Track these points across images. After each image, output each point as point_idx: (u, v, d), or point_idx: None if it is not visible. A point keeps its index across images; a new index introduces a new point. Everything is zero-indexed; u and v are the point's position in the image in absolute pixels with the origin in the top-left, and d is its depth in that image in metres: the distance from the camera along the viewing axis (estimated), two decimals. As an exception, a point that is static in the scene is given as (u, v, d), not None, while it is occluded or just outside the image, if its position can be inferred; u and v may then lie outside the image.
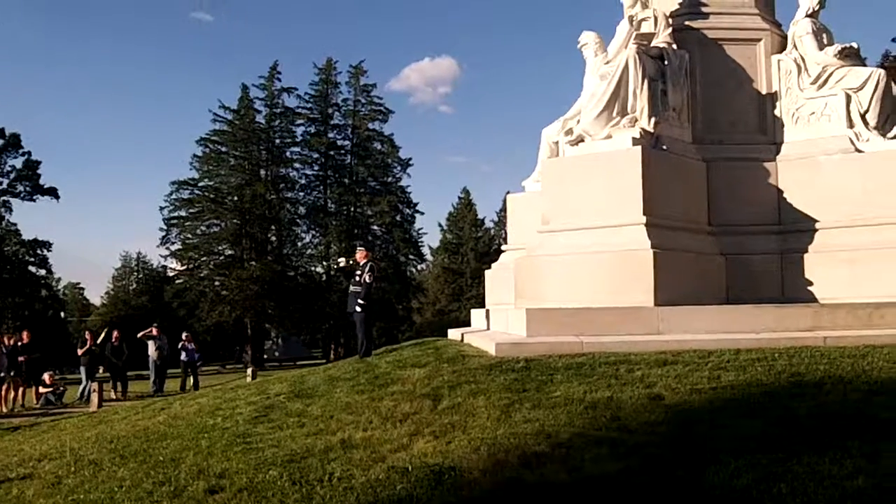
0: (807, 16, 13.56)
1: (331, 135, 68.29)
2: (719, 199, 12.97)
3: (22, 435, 13.21)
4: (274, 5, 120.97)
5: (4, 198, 68.58)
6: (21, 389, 22.27)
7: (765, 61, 13.65)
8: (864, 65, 13.49)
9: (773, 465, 5.50)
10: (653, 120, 12.29)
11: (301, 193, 68.45)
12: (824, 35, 13.52)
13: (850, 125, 12.82)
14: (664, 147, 12.29)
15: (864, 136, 12.69)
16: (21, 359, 22.20)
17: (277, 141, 67.48)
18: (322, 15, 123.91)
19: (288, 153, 67.92)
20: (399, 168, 69.03)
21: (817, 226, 12.57)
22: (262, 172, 66.40)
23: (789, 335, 10.35)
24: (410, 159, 69.19)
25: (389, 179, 68.87)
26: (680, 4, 14.00)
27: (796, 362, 8.81)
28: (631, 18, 13.20)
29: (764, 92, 13.58)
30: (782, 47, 13.75)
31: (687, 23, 13.71)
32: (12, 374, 21.62)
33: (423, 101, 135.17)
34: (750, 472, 5.40)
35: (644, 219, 11.45)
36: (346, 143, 69.09)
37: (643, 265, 11.15)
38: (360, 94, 68.41)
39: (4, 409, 20.84)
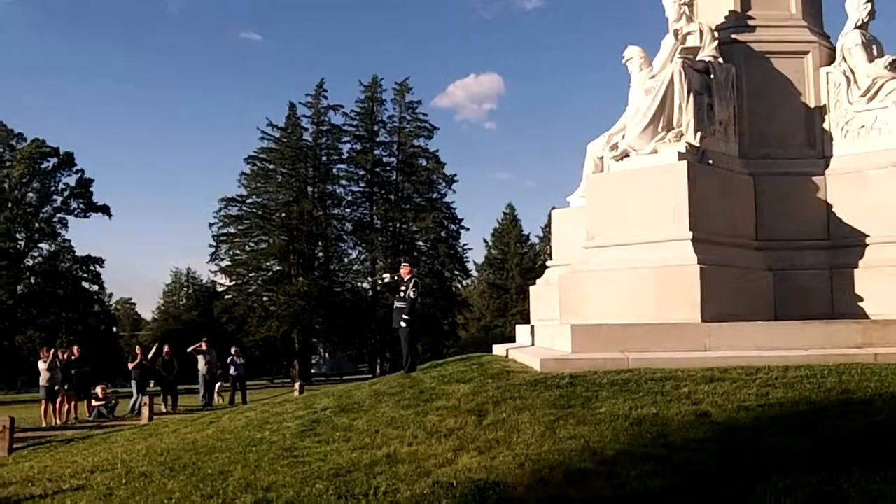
0: (856, 27, 13.40)
1: (376, 151, 68.84)
2: (767, 214, 12.82)
3: (75, 447, 13.44)
4: (320, 24, 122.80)
5: (59, 215, 70.15)
6: (74, 402, 22.72)
7: (813, 74, 13.49)
8: (916, 77, 13.26)
9: (823, 483, 5.42)
10: (699, 134, 12.21)
11: (347, 210, 69.13)
12: (874, 47, 13.33)
13: (902, 138, 12.60)
14: (710, 161, 12.20)
15: (917, 149, 12.47)
16: (74, 372, 22.65)
17: (324, 158, 68.22)
18: (368, 33, 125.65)
19: (334, 170, 68.65)
20: (444, 184, 69.34)
21: (867, 240, 12.36)
22: (309, 189, 67.11)
23: (839, 352, 10.20)
24: (455, 175, 69.60)
25: (434, 195, 69.16)
26: (726, 18, 13.89)
27: (846, 379, 8.66)
28: (676, 32, 13.14)
29: (812, 105, 13.42)
30: (831, 60, 13.58)
31: (733, 36, 13.60)
32: (66, 387, 22.04)
33: (468, 118, 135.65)
34: (798, 490, 5.32)
35: (690, 234, 11.37)
36: (392, 159, 69.64)
37: (689, 281, 11.06)
38: (405, 111, 68.96)
39: (58, 422, 21.25)
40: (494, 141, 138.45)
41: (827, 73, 13.42)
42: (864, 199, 12.50)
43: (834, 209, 12.75)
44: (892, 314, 11.47)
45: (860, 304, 12.14)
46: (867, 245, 12.36)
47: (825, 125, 13.33)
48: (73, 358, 23.44)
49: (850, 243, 12.48)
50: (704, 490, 5.55)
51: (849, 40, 13.35)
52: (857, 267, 12.31)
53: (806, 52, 13.59)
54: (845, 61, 13.32)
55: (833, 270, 12.54)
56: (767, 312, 12.13)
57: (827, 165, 13.09)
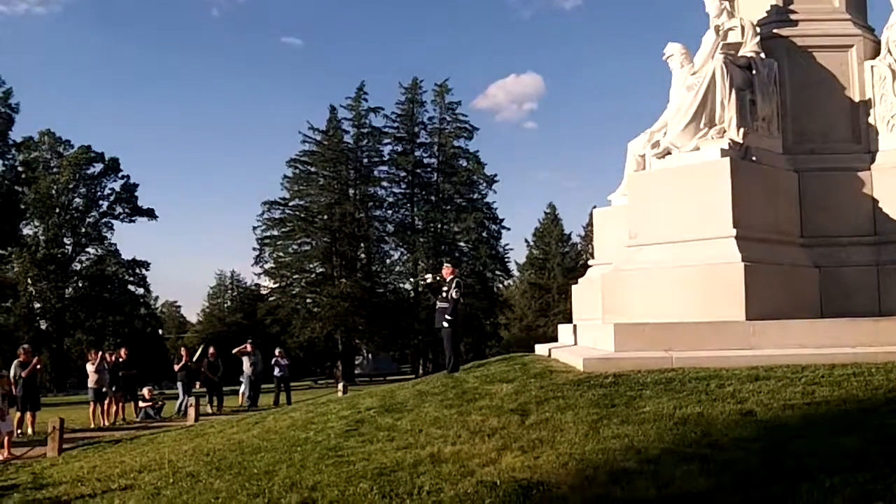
0: (900, 19, 13.17)
1: (417, 153, 69.14)
2: (811, 210, 12.65)
3: (123, 447, 13.65)
4: (360, 28, 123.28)
5: (105, 219, 71.40)
6: (122, 404, 23.08)
7: (857, 68, 13.28)
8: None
9: (870, 482, 5.36)
10: (741, 130, 12.09)
11: (389, 211, 69.48)
12: (920, 38, 13.10)
13: (949, 131, 12.38)
14: (753, 158, 12.07)
15: (964, 142, 12.24)
16: (121, 374, 23.01)
17: (365, 160, 68.60)
18: (407, 35, 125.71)
19: (375, 172, 69.00)
20: (485, 184, 69.37)
21: (916, 236, 12.16)
22: (351, 191, 67.51)
23: (886, 349, 10.03)
24: (496, 175, 69.58)
25: (475, 196, 69.21)
26: (767, 13, 13.74)
27: (894, 377, 8.54)
28: (717, 28, 13.02)
29: (857, 99, 13.21)
30: (875, 53, 13.36)
31: (775, 31, 13.44)
32: (114, 389, 22.40)
33: (508, 118, 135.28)
34: (845, 489, 5.27)
35: (734, 231, 11.27)
36: (433, 160, 69.86)
37: (733, 279, 10.97)
38: (445, 112, 69.12)
39: (107, 423, 21.58)
40: (535, 141, 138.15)
41: (872, 67, 13.21)
42: (912, 194, 12.30)
43: (880, 204, 12.54)
44: (941, 311, 11.28)
45: (908, 301, 11.94)
46: (915, 241, 12.16)
47: (870, 119, 13.12)
48: (120, 360, 23.80)
49: (898, 239, 12.28)
50: (749, 490, 5.52)
51: (894, 33, 13.12)
52: (904, 263, 12.11)
53: (850, 46, 13.39)
54: (891, 54, 13.09)
55: (880, 267, 12.33)
56: (813, 310, 11.97)
57: (873, 160, 12.88)
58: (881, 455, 5.88)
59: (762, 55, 12.83)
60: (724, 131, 12.15)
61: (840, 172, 12.74)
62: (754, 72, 12.58)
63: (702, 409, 7.76)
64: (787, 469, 5.80)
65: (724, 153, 11.71)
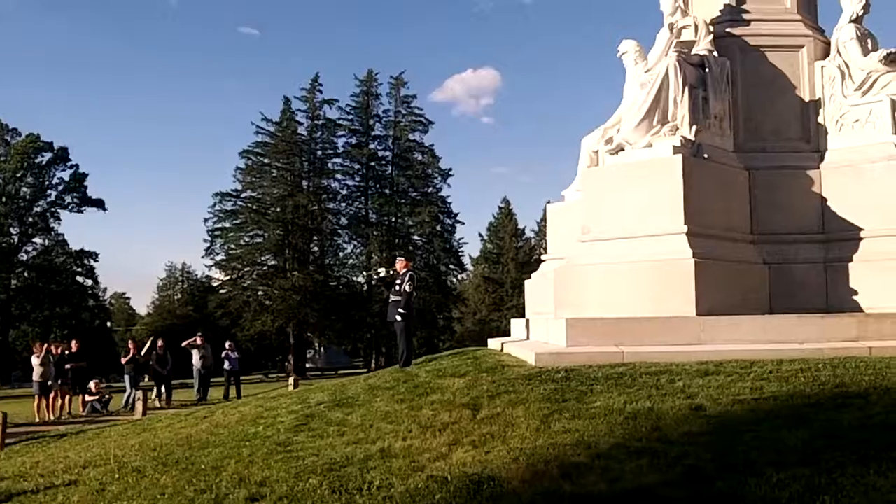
0: (850, 21, 13.40)
1: (372, 146, 68.73)
2: (762, 208, 12.82)
3: (68, 442, 13.40)
4: (317, 19, 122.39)
5: (53, 209, 70.05)
6: (68, 397, 22.65)
7: (808, 68, 13.49)
8: (911, 70, 13.22)
9: (817, 477, 5.42)
10: (694, 128, 12.20)
11: (342, 204, 69.02)
12: (869, 40, 13.33)
13: (896, 132, 12.61)
14: (705, 155, 12.18)
15: (911, 143, 12.46)
16: (68, 367, 22.60)
17: (319, 152, 68.06)
18: (365, 27, 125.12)
19: (329, 164, 68.48)
20: (439, 178, 69.28)
21: (862, 234, 12.37)
22: (304, 183, 66.98)
23: (834, 345, 10.20)
24: (451, 169, 69.48)
25: (430, 190, 69.12)
26: (721, 11, 13.88)
27: (841, 373, 8.67)
28: (671, 26, 13.14)
29: (807, 99, 13.42)
30: (825, 54, 13.58)
31: (728, 30, 13.59)
32: (59, 382, 21.98)
33: (466, 113, 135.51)
34: (793, 484, 5.32)
35: (685, 228, 11.37)
36: (387, 153, 69.57)
37: (684, 274, 11.07)
38: (401, 105, 68.82)
39: (51, 417, 21.20)
40: (491, 136, 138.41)
41: (822, 67, 13.42)
42: (859, 192, 12.51)
43: (829, 203, 12.75)
44: (886, 307, 11.50)
45: (855, 297, 12.15)
46: (862, 238, 12.37)
47: (820, 119, 13.34)
48: (66, 353, 23.38)
49: (845, 237, 12.49)
50: (698, 484, 5.55)
51: (844, 34, 13.35)
52: (851, 260, 12.32)
53: (801, 46, 13.59)
54: (840, 55, 13.32)
55: (828, 264, 12.54)
56: (762, 306, 12.14)
57: (822, 159, 13.09)
58: (827, 450, 5.95)
59: (715, 53, 12.96)
60: (677, 128, 12.25)
61: (790, 171, 12.93)
62: (707, 70, 12.70)
63: (652, 404, 7.80)
64: (736, 464, 5.85)
65: (676, 150, 11.80)
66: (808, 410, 7.23)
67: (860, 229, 12.40)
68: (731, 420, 7.13)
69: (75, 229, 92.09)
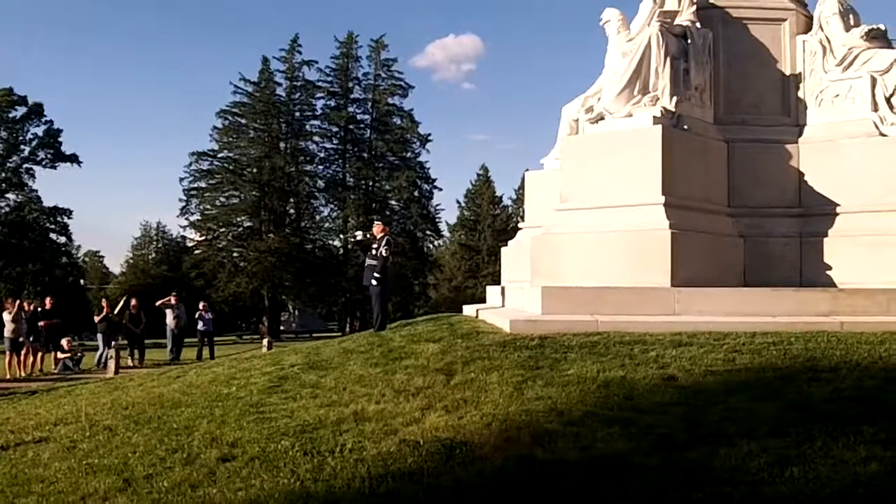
0: (834, -4, 13.35)
1: (350, 109, 68.15)
2: (739, 181, 12.85)
3: (39, 399, 13.31)
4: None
5: (26, 165, 69.08)
6: (40, 355, 22.49)
7: (789, 42, 13.46)
8: (892, 47, 13.20)
9: (786, 448, 5.48)
10: (674, 99, 12.17)
11: (320, 167, 68.50)
12: (851, 16, 13.30)
13: (875, 108, 12.63)
14: (685, 126, 12.18)
15: (889, 120, 12.49)
16: (41, 325, 22.44)
17: (297, 114, 67.44)
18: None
19: (307, 126, 67.84)
20: (418, 143, 68.85)
21: (838, 209, 12.44)
22: (282, 145, 66.42)
23: (806, 319, 10.28)
24: (430, 135, 69.00)
25: (408, 155, 68.72)
26: (704, -18, 13.80)
27: (812, 347, 8.76)
28: (655, -5, 13.04)
29: (788, 73, 13.40)
30: (808, 28, 13.55)
31: (711, 1, 13.52)
32: (31, 339, 21.81)
33: (446, 79, 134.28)
34: (762, 455, 5.38)
35: (663, 198, 11.39)
36: (366, 117, 68.98)
37: (661, 245, 11.09)
38: (381, 69, 68.16)
39: (23, 374, 21.04)
40: (472, 102, 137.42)
41: (804, 42, 13.39)
42: (836, 168, 12.56)
43: (806, 178, 12.79)
44: (859, 283, 11.61)
45: (829, 272, 12.25)
46: (837, 214, 12.44)
47: (800, 93, 13.34)
48: (40, 310, 23.18)
49: (821, 212, 12.56)
50: (669, 452, 5.60)
51: (826, 9, 13.31)
52: (826, 236, 12.40)
53: (783, 20, 13.55)
54: (822, 30, 13.30)
55: (803, 238, 12.62)
56: (737, 279, 12.21)
57: (801, 134, 13.11)
58: (797, 422, 6.02)
59: (698, 25, 12.89)
60: (658, 99, 12.22)
61: (769, 145, 12.95)
62: (689, 41, 12.65)
63: (625, 374, 7.85)
64: (707, 434, 5.90)
65: (656, 121, 11.78)
66: (780, 383, 7.30)
67: (837, 205, 12.47)
68: (703, 391, 7.19)
69: (49, 186, 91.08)
